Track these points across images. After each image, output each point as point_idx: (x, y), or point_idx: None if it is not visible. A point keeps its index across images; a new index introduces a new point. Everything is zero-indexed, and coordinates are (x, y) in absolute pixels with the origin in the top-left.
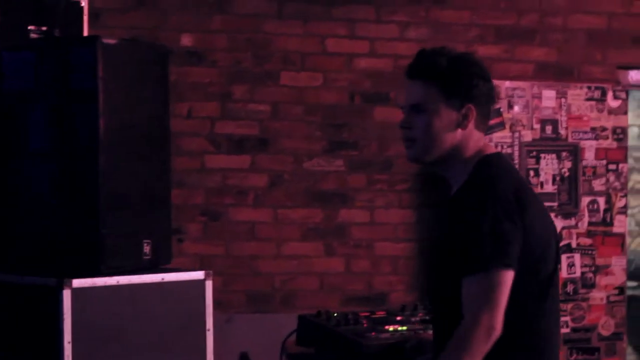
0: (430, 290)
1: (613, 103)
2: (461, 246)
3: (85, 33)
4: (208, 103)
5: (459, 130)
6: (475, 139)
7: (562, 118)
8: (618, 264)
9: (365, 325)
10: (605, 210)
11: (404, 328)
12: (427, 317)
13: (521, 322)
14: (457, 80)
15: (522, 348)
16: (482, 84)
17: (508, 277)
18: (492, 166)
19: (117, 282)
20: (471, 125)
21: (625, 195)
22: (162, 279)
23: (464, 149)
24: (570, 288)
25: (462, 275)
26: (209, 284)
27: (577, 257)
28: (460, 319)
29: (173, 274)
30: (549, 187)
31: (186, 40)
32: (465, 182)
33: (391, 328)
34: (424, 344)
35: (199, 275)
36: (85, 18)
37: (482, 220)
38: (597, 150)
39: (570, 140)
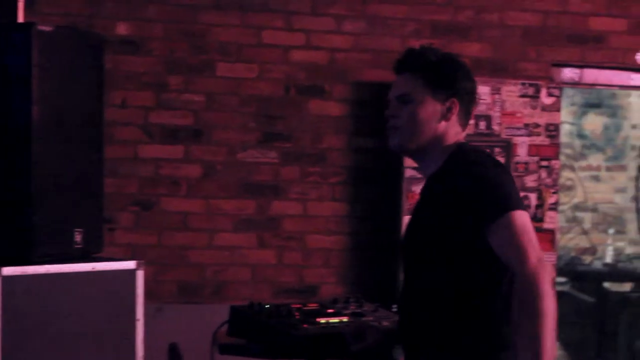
0: (415, 279)
1: (547, 100)
2: (473, 202)
3: (21, 19)
4: (143, 92)
5: (443, 122)
6: (455, 132)
7: (496, 114)
8: (548, 260)
9: (297, 317)
10: (537, 207)
11: (336, 320)
12: (359, 310)
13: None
14: (444, 74)
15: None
16: (466, 81)
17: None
18: (473, 148)
19: (48, 270)
20: (454, 119)
21: (557, 192)
22: (93, 268)
23: (443, 140)
24: None
25: (486, 224)
26: (140, 274)
27: None
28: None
29: (104, 263)
30: None
31: (122, 29)
32: (446, 161)
33: (323, 320)
34: (365, 330)
35: (130, 264)
36: (21, 4)
37: (490, 174)
38: (530, 146)
39: (503, 136)
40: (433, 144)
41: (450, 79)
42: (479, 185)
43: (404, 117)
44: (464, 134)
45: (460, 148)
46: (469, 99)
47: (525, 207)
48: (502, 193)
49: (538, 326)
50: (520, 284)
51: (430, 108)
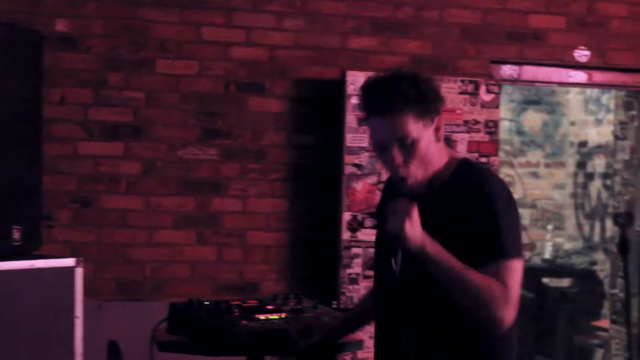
0: (418, 287)
1: (486, 97)
2: (479, 237)
3: None
4: (82, 89)
5: (439, 143)
6: (442, 146)
7: None
8: None
9: (236, 314)
10: None
11: (275, 317)
12: (298, 307)
13: None
14: (429, 102)
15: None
16: (439, 96)
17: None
18: (480, 166)
19: None
20: (441, 133)
21: None
22: (32, 265)
23: (441, 158)
24: None
25: (481, 263)
26: (79, 271)
27: None
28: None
29: (43, 260)
30: None
31: (61, 26)
32: (450, 179)
33: (263, 317)
34: (310, 327)
35: (69, 262)
36: None
37: (505, 212)
38: (469, 143)
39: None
40: (432, 166)
41: (434, 104)
42: (493, 223)
43: (414, 160)
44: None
45: (465, 163)
46: (441, 110)
47: (523, 253)
48: (510, 238)
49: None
50: (484, 318)
51: (427, 138)
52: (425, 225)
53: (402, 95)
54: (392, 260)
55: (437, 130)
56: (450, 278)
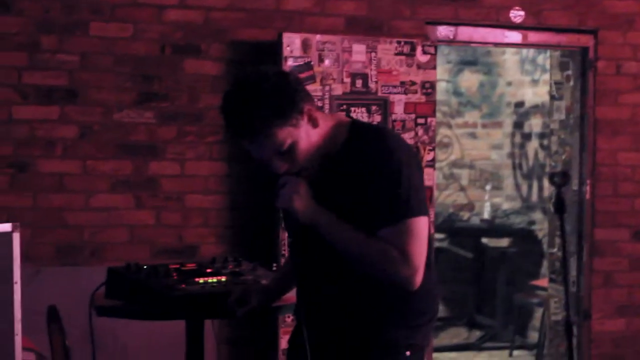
0: (321, 254)
1: (422, 58)
2: (378, 199)
3: None
4: (15, 53)
5: (315, 130)
6: (324, 120)
7: (372, 72)
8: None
9: (175, 277)
10: None
11: (214, 280)
12: (237, 269)
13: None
14: (285, 107)
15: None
16: (297, 90)
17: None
18: (373, 127)
19: None
20: (317, 115)
21: (434, 149)
22: None
23: (324, 135)
24: None
25: (381, 225)
26: (16, 237)
27: None
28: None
29: None
30: None
31: None
32: (343, 147)
33: (201, 280)
34: (248, 294)
35: (5, 227)
36: None
37: (405, 169)
38: (407, 104)
39: (380, 94)
40: (319, 146)
41: (294, 103)
42: (393, 182)
43: (293, 161)
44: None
45: (356, 127)
46: (306, 93)
47: (427, 210)
48: (412, 196)
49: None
50: (388, 281)
51: (302, 133)
52: (323, 197)
53: (258, 119)
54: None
55: (310, 119)
56: (346, 247)
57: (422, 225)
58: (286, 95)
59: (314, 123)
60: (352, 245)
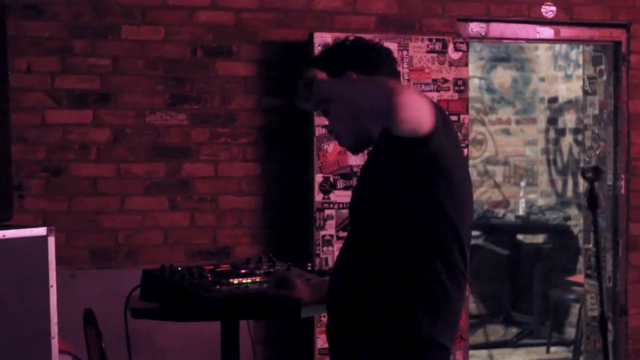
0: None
1: (454, 55)
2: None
3: None
4: (48, 58)
5: None
6: None
7: (404, 70)
8: None
9: (209, 279)
10: None
11: (249, 281)
12: (271, 270)
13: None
14: (329, 67)
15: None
16: (348, 56)
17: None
18: None
19: None
20: None
21: (467, 146)
22: (3, 235)
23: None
24: None
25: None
26: (51, 240)
27: None
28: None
29: (14, 230)
30: None
31: None
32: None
33: (236, 281)
34: (288, 281)
35: (41, 231)
36: None
37: None
38: (439, 101)
39: None
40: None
41: (337, 66)
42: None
43: (332, 125)
44: None
45: None
46: (367, 67)
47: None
48: None
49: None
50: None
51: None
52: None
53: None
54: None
55: None
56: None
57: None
58: (337, 56)
59: None
60: (354, 85)
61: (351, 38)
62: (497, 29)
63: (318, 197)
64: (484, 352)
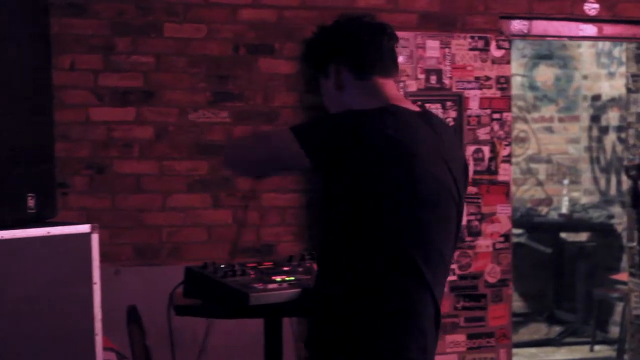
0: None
1: (496, 53)
2: None
3: None
4: (91, 55)
5: (340, 92)
6: (361, 95)
7: (446, 68)
8: (503, 212)
9: (252, 276)
10: (490, 159)
11: (292, 278)
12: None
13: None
14: (313, 55)
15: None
16: (340, 43)
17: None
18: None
19: (2, 236)
20: (351, 84)
21: (510, 144)
22: (48, 232)
23: (349, 105)
24: None
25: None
26: (95, 237)
27: None
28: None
29: (58, 227)
30: None
31: None
32: None
33: (278, 278)
34: None
35: (84, 228)
36: None
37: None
38: (482, 99)
39: (454, 89)
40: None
41: (324, 54)
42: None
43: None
44: (387, 93)
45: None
46: (355, 59)
47: (311, 137)
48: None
49: None
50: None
51: (325, 84)
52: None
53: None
54: None
55: (336, 79)
56: None
57: (283, 133)
58: (322, 47)
59: (338, 85)
60: None
61: (331, 24)
62: (540, 26)
63: None
64: (527, 351)
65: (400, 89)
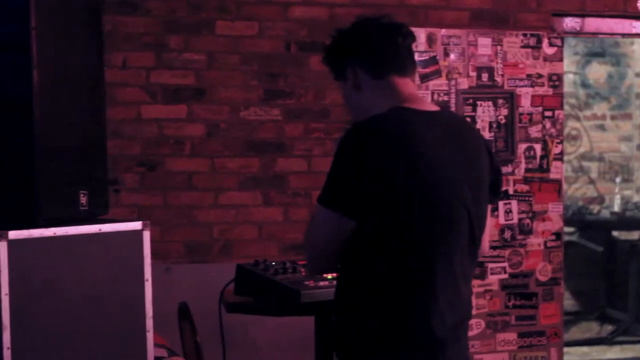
0: None
1: (548, 50)
2: None
3: None
4: (143, 53)
5: (358, 94)
6: (382, 98)
7: (498, 65)
8: (555, 210)
9: (303, 273)
10: (542, 157)
11: None
12: None
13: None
14: (333, 59)
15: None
16: (356, 46)
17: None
18: (378, 115)
19: (54, 233)
20: (369, 86)
21: (561, 142)
22: (100, 229)
23: (365, 107)
24: (507, 234)
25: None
26: (146, 234)
27: (514, 203)
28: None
29: (110, 224)
30: (486, 134)
31: None
32: None
33: (329, 276)
34: None
35: (136, 225)
36: None
37: (335, 158)
38: (533, 97)
39: (506, 87)
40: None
41: (340, 57)
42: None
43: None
44: (406, 93)
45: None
46: (370, 59)
47: (336, 203)
48: (326, 185)
49: None
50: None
51: (344, 87)
52: None
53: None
54: None
55: (354, 81)
56: None
57: (319, 213)
58: (338, 49)
59: (356, 86)
60: None
61: (347, 27)
62: (593, 23)
63: None
64: (579, 349)
65: (452, 86)
